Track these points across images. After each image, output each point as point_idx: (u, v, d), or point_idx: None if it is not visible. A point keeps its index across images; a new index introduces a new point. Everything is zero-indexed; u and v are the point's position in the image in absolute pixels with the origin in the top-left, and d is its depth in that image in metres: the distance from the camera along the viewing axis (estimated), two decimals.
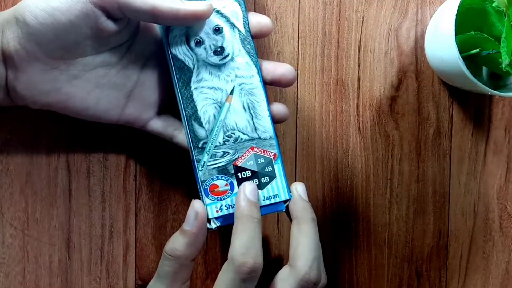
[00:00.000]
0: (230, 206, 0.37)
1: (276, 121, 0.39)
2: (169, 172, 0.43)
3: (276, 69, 0.38)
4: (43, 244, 0.42)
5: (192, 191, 0.40)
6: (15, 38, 0.33)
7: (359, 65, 0.44)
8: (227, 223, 0.37)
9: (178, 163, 0.42)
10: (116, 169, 0.42)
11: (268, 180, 0.38)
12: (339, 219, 0.45)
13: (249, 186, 0.37)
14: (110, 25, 0.33)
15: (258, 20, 0.37)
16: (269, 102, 0.38)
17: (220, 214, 0.37)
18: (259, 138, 0.38)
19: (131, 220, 0.42)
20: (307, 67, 0.44)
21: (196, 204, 0.36)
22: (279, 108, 0.39)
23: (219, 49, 0.37)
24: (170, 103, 0.39)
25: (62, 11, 0.32)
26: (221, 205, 0.37)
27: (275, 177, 0.38)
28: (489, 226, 0.47)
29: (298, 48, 0.44)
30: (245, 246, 0.34)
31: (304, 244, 0.37)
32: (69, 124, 0.41)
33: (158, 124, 0.39)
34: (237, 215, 0.36)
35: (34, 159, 0.41)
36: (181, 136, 0.39)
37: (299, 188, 0.39)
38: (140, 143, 0.42)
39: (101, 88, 0.36)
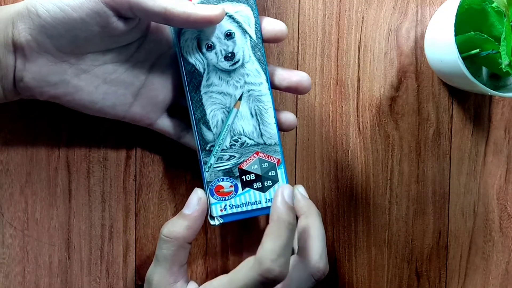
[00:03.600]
0: (234, 206, 0.38)
1: (283, 129, 0.39)
2: (169, 172, 0.43)
3: (292, 76, 0.38)
4: (43, 244, 0.42)
5: (192, 191, 0.40)
6: (27, 29, 0.33)
7: (359, 66, 0.44)
8: (229, 221, 0.39)
9: (178, 163, 0.42)
10: (116, 169, 0.42)
11: (271, 184, 0.39)
12: (339, 219, 0.45)
13: (287, 189, 0.36)
14: (120, 24, 0.34)
15: (273, 26, 0.37)
16: (275, 110, 0.38)
17: (224, 213, 0.38)
18: (265, 144, 0.38)
19: (131, 220, 0.42)
20: (307, 67, 0.44)
21: (199, 191, 0.38)
22: (288, 116, 0.39)
23: (229, 55, 0.37)
24: (179, 104, 0.39)
25: (73, 7, 0.33)
26: (225, 205, 0.38)
27: (278, 181, 0.39)
28: (489, 227, 0.47)
29: (298, 49, 0.44)
30: (276, 253, 0.34)
31: (313, 236, 0.38)
32: (69, 124, 0.41)
33: (165, 124, 0.39)
34: (273, 218, 0.35)
35: (34, 159, 0.41)
36: (188, 137, 0.39)
37: (300, 189, 0.41)
38: (140, 143, 0.42)
39: (109, 84, 0.36)
